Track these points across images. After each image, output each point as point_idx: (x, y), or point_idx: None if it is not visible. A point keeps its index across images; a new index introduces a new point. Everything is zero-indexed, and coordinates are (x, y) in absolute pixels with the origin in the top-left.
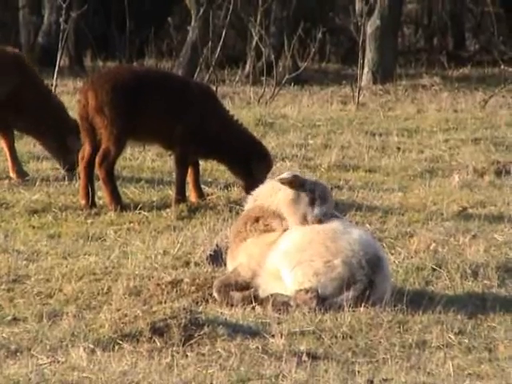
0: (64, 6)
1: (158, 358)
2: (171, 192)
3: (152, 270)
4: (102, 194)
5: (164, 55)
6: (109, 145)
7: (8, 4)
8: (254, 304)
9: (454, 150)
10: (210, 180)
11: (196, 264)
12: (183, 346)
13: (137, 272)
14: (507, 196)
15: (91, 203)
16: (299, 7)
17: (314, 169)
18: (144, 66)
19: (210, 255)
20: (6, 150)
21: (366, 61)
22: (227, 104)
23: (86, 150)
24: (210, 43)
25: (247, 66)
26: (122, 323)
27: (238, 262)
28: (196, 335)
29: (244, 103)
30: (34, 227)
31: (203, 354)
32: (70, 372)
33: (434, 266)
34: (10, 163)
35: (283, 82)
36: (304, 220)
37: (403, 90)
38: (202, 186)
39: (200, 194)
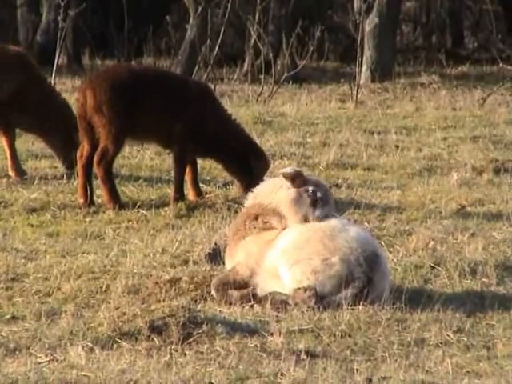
0: (62, 4)
1: (157, 356)
2: (170, 190)
3: (150, 269)
4: (100, 193)
5: (162, 53)
6: (107, 143)
7: (6, 2)
8: (252, 302)
9: (453, 148)
10: (208, 178)
11: (194, 262)
12: (182, 344)
13: (135, 270)
14: (506, 194)
15: (90, 202)
16: (297, 5)
17: (313, 167)
18: (142, 64)
19: (209, 253)
20: (6, 148)
21: (364, 59)
22: (226, 102)
23: (84, 148)
24: (208, 41)
25: (245, 65)
26: (121, 321)
27: (236, 260)
28: (194, 333)
29: (242, 101)
30: (32, 226)
31: (202, 353)
32: (69, 370)
33: (433, 264)
34: (9, 161)
35: (282, 80)
36: (305, 221)
37: (402, 88)
38: (201, 185)
39: (198, 192)
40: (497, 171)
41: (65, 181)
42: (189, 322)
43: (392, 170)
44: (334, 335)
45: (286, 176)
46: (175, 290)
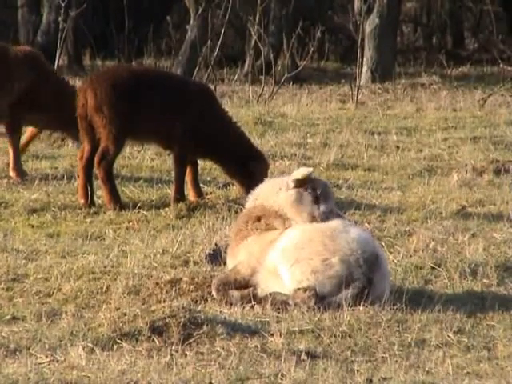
0: (63, 5)
1: (157, 357)
2: (170, 191)
3: (151, 269)
4: (100, 193)
5: (163, 54)
6: (108, 144)
7: (7, 3)
8: (252, 303)
9: (453, 148)
10: (208, 179)
11: (195, 263)
12: (182, 344)
13: (136, 271)
14: (506, 195)
15: (90, 202)
16: (298, 6)
17: (313, 168)
18: (143, 65)
19: (209, 254)
20: (10, 148)
21: (364, 59)
22: (226, 103)
23: (84, 149)
24: (208, 42)
25: (246, 65)
26: (121, 322)
27: (237, 260)
28: (195, 334)
29: (243, 102)
30: (32, 226)
31: (202, 353)
32: (69, 371)
33: (433, 265)
34: (11, 161)
35: (282, 80)
36: (312, 218)
37: (402, 89)
38: (201, 185)
39: (199, 193)
40: (497, 172)
41: (65, 181)
42: (189, 323)
43: (392, 171)
44: (335, 336)
45: (298, 184)
46: (176, 290)
